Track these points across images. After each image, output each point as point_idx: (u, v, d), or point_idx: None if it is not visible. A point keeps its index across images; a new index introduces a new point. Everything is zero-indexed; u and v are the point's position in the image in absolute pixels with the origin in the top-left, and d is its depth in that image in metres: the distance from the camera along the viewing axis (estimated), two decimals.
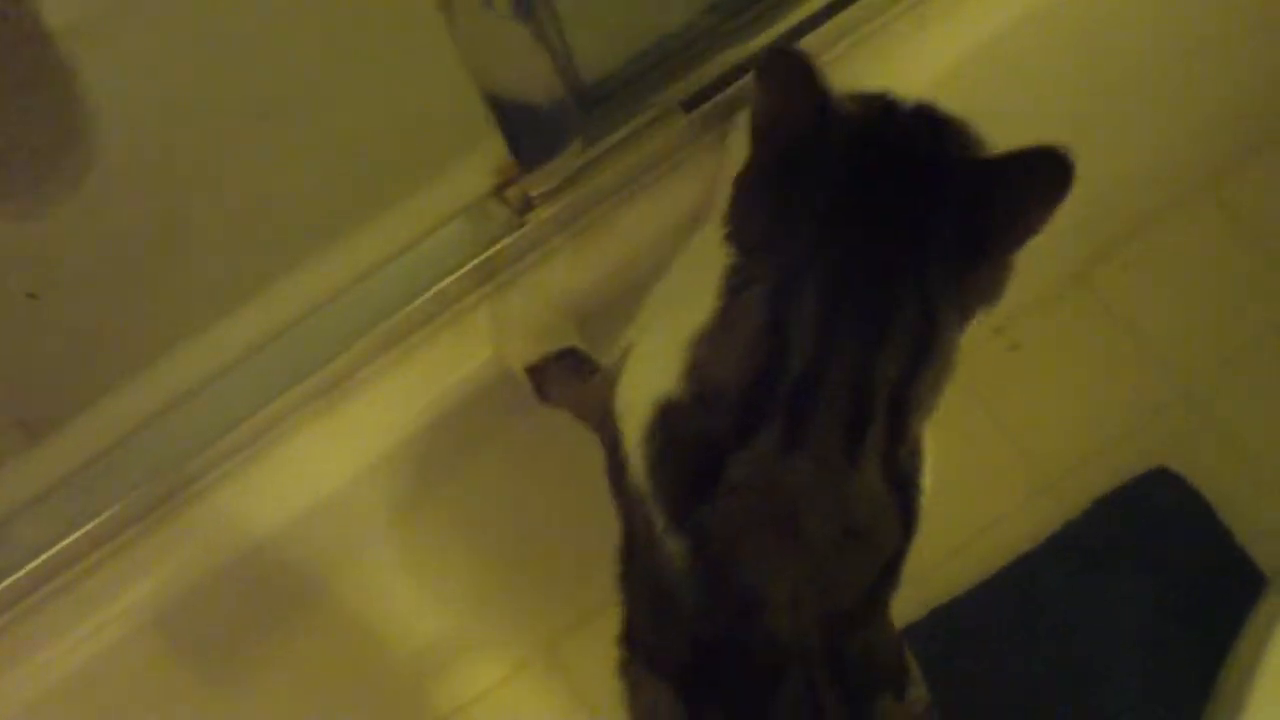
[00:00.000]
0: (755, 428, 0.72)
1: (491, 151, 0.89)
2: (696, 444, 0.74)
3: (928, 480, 0.77)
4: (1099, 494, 1.32)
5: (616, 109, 0.90)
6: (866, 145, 0.72)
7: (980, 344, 1.46)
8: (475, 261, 0.91)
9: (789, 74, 0.73)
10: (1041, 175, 0.70)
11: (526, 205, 0.91)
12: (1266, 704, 0.99)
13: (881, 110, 0.74)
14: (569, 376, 0.87)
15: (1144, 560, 1.27)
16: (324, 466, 0.94)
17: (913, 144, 0.73)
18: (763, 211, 0.73)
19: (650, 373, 0.76)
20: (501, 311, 0.93)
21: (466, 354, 0.94)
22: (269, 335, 0.92)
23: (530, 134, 0.87)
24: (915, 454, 0.75)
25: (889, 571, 0.77)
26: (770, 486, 0.72)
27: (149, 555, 0.91)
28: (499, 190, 0.92)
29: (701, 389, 0.74)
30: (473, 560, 1.11)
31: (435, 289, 0.91)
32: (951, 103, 0.76)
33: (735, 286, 0.73)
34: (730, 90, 0.91)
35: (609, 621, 0.84)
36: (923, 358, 0.72)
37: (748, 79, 0.90)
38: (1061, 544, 1.29)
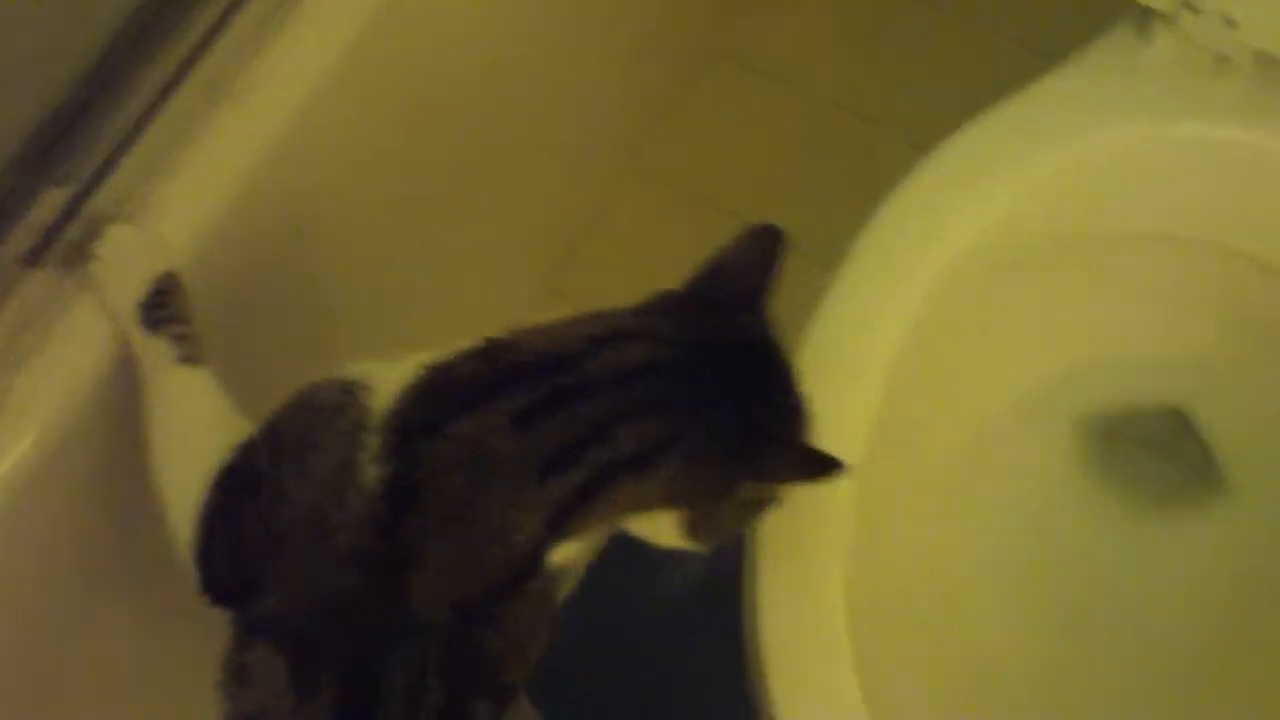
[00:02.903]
0: (510, 393, 0.75)
1: None
2: (451, 390, 0.76)
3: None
4: None
5: None
6: None
7: None
8: None
9: (760, 247, 0.83)
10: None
11: None
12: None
13: None
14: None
15: None
16: None
17: None
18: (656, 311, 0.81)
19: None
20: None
21: None
22: None
23: None
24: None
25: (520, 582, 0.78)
26: (481, 448, 0.75)
27: None
28: None
29: (500, 347, 0.77)
30: None
31: None
32: None
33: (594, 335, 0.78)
34: None
35: None
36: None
37: None
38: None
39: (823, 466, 0.80)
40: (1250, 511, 1.20)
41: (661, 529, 0.80)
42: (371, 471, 0.75)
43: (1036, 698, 1.15)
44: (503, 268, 1.42)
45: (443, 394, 0.77)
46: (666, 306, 0.81)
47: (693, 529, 0.80)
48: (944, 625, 1.15)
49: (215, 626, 0.81)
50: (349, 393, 0.78)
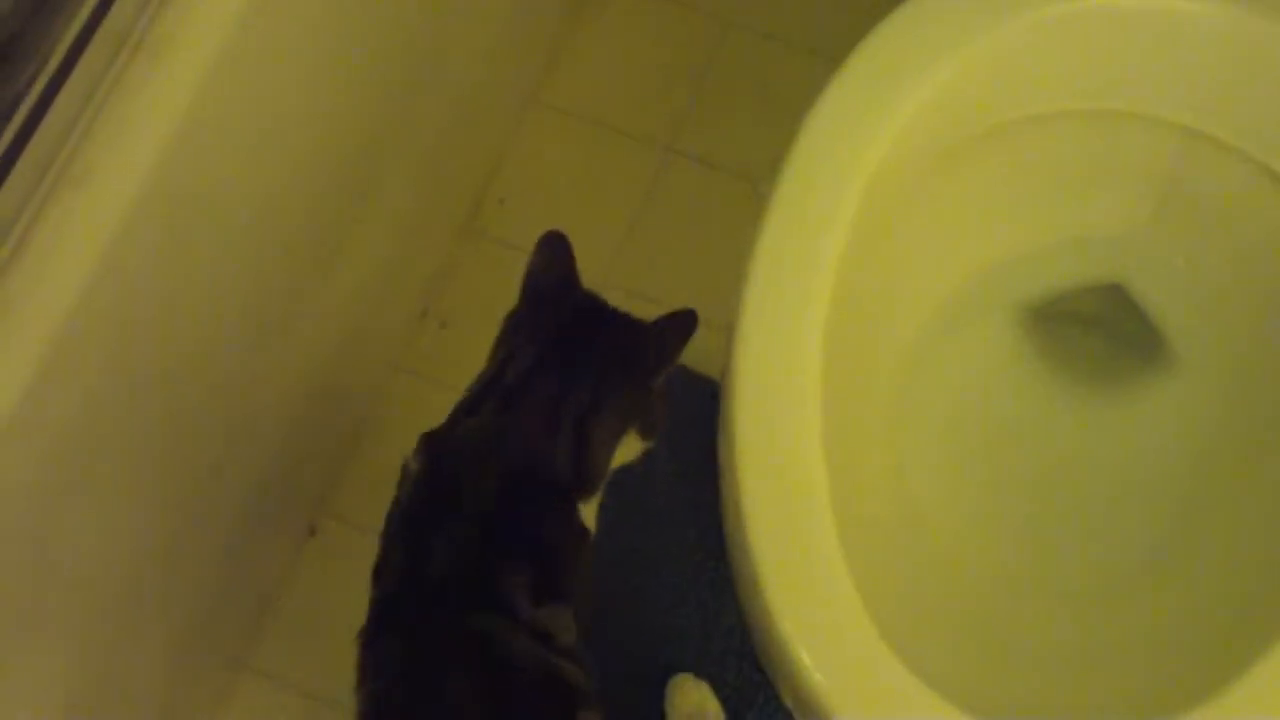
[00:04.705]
0: (483, 402, 1.02)
1: None
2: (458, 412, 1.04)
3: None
4: None
5: None
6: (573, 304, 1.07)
7: (412, 331, 1.48)
8: None
9: (554, 250, 1.06)
10: (670, 330, 1.03)
11: None
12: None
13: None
14: None
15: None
16: None
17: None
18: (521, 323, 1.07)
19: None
20: None
21: None
22: None
23: None
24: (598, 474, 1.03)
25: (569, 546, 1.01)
26: (486, 429, 1.01)
27: None
28: None
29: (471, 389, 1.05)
30: None
31: None
32: None
33: (502, 356, 1.04)
34: None
35: None
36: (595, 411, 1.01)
37: None
38: None
39: (684, 323, 1.02)
40: (1194, 381, 1.21)
41: (630, 445, 1.04)
42: (414, 462, 1.02)
43: (999, 590, 1.15)
44: (382, 315, 1.43)
45: (453, 461, 1.02)
46: (526, 319, 1.06)
47: (645, 431, 1.05)
48: (906, 527, 1.15)
49: None
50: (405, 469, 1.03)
